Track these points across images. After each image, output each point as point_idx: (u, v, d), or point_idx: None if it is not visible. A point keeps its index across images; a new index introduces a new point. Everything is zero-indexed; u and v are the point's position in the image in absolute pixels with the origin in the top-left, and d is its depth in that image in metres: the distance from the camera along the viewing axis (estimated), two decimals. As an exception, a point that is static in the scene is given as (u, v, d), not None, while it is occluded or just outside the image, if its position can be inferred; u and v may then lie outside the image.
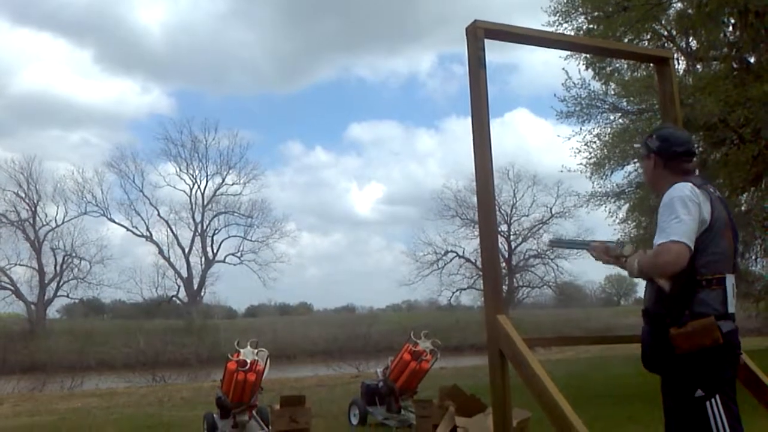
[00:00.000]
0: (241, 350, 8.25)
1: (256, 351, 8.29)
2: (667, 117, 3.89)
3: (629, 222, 15.46)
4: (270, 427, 8.17)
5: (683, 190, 2.99)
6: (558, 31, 11.19)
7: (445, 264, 53.39)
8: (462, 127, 76.56)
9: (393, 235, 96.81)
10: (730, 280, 2.99)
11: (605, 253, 3.33)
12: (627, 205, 14.66)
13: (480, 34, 3.45)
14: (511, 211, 52.75)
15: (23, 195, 47.90)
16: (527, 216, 52.78)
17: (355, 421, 9.54)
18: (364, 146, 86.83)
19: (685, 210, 2.92)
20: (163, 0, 70.52)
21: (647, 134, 3.45)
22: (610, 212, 14.89)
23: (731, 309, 2.97)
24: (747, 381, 3.38)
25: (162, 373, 27.95)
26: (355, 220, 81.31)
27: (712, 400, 2.90)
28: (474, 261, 53.46)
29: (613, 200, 14.60)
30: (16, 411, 15.61)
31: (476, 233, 53.56)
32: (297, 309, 71.32)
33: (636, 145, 11.44)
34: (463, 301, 57.88)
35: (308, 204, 76.11)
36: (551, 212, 52.09)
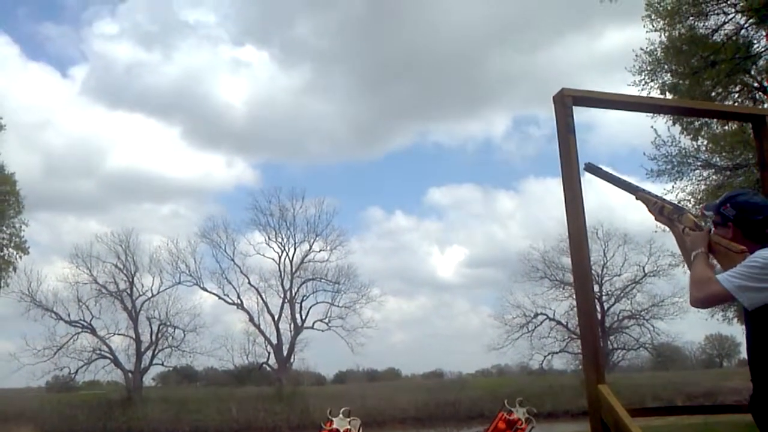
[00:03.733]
0: (334, 419, 8.26)
1: (348, 419, 8.28)
2: (764, 175, 3.79)
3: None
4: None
5: None
6: (644, 89, 11.04)
7: (535, 327, 52.26)
8: (541, 188, 76.06)
9: (477, 298, 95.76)
10: None
11: (659, 212, 3.27)
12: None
13: (568, 101, 3.48)
14: (602, 271, 51.47)
15: (121, 266, 49.89)
16: (619, 276, 51.35)
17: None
18: (444, 210, 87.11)
19: (758, 268, 2.87)
20: (243, 77, 73.86)
21: (718, 202, 3.30)
22: None
23: None
24: None
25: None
26: (439, 284, 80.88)
27: None
28: (566, 324, 52.11)
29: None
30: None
31: (566, 294, 52.38)
32: (385, 374, 70.85)
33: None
34: (555, 365, 56.26)
35: (391, 269, 76.35)
36: (644, 271, 50.53)
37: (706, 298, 2.91)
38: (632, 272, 51.24)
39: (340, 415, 8.34)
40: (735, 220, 3.10)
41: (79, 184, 66.89)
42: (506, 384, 54.01)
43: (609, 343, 51.46)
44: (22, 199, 32.73)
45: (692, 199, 12.32)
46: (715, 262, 3.13)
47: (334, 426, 8.20)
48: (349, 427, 8.23)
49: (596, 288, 50.30)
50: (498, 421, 9.08)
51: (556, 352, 53.64)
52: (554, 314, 52.47)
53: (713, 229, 3.20)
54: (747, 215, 3.07)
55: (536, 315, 52.36)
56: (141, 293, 50.60)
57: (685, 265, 3.11)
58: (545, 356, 53.66)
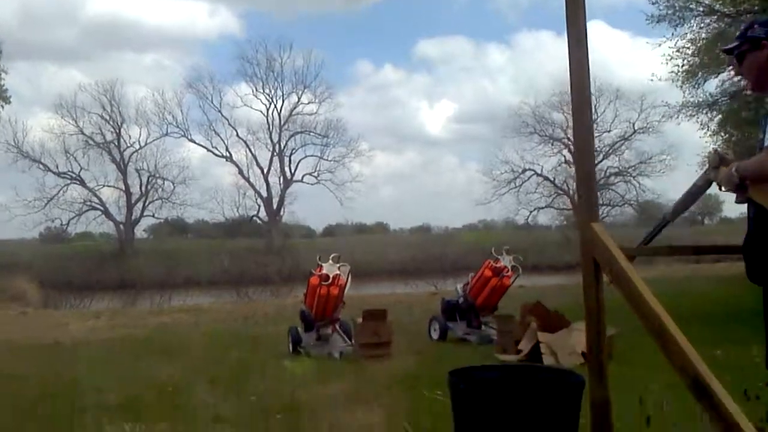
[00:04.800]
0: (324, 265, 8.32)
1: (338, 265, 8.35)
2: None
3: (722, 134, 14.62)
4: (353, 340, 8.29)
5: None
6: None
7: (522, 182, 52.55)
8: (533, 42, 74.14)
9: (466, 154, 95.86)
10: None
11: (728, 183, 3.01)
12: (719, 117, 13.83)
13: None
14: (593, 126, 51.27)
15: (107, 117, 49.28)
16: (609, 132, 51.17)
17: (435, 336, 9.60)
18: (433, 63, 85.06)
19: None
20: None
21: (741, 30, 3.09)
22: (701, 124, 14.07)
23: None
24: None
25: (246, 289, 28.79)
26: (427, 139, 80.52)
27: None
28: (553, 179, 52.51)
29: (705, 111, 13.74)
30: (111, 324, 16.42)
31: (555, 150, 52.48)
32: (373, 229, 72.05)
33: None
34: (541, 221, 57.25)
35: (380, 123, 75.61)
36: (634, 128, 50.34)
37: None
38: (622, 129, 51.05)
39: (330, 261, 8.41)
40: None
41: (59, 32, 64.40)
42: (492, 238, 55.13)
43: (595, 199, 52.16)
44: (-1, 45, 31.48)
45: (692, 46, 11.94)
46: None
47: (324, 271, 8.28)
48: (338, 272, 8.31)
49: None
50: (485, 269, 9.20)
51: (542, 208, 54.36)
52: (542, 170, 52.67)
53: (742, 63, 2.97)
54: None
55: (524, 171, 52.58)
56: (128, 145, 50.32)
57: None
58: (531, 211, 54.39)
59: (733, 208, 16.80)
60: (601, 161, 49.37)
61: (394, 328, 8.26)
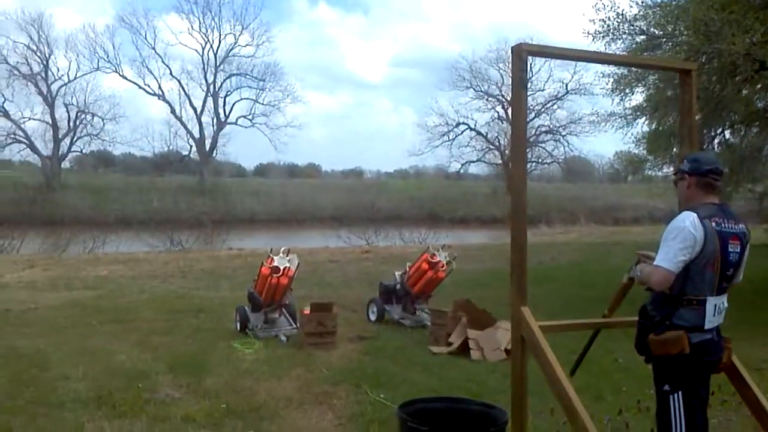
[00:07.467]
0: (275, 258, 8.97)
1: (288, 258, 9.01)
2: (683, 125, 4.35)
3: (646, 112, 15.13)
4: (298, 327, 9.02)
5: (685, 221, 3.52)
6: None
7: (456, 136, 53.67)
8: (476, -12, 74.09)
9: (399, 99, 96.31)
10: (713, 301, 3.57)
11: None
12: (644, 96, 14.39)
13: (524, 56, 3.86)
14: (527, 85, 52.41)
15: (34, 47, 47.71)
16: (542, 91, 52.51)
17: (373, 317, 10.43)
18: (369, 4, 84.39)
19: (680, 241, 3.48)
20: None
21: (682, 158, 3.94)
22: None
23: (709, 325, 3.58)
24: (732, 376, 4.05)
25: (178, 235, 28.90)
26: (361, 82, 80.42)
27: (675, 395, 3.59)
28: (485, 134, 53.72)
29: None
30: (49, 276, 16.64)
31: (489, 106, 53.56)
32: (305, 170, 72.16)
33: None
34: (472, 170, 58.64)
35: (313, 63, 75.02)
36: (566, 88, 51.78)
37: (661, 282, 3.52)
38: (555, 88, 52.42)
39: (281, 254, 9.04)
40: (690, 171, 3.72)
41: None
42: (423, 188, 56.43)
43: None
44: None
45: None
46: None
47: (275, 263, 8.92)
48: (288, 264, 8.97)
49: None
50: (422, 261, 10.00)
51: (474, 161, 55.73)
52: (475, 124, 53.88)
53: (677, 186, 3.81)
54: (699, 165, 3.70)
55: (458, 124, 53.63)
56: (57, 77, 48.98)
57: None
58: (463, 164, 55.74)
59: (654, 168, 17.92)
60: (533, 119, 50.80)
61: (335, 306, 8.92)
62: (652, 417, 4.09)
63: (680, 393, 3.59)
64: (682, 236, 3.48)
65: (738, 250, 3.62)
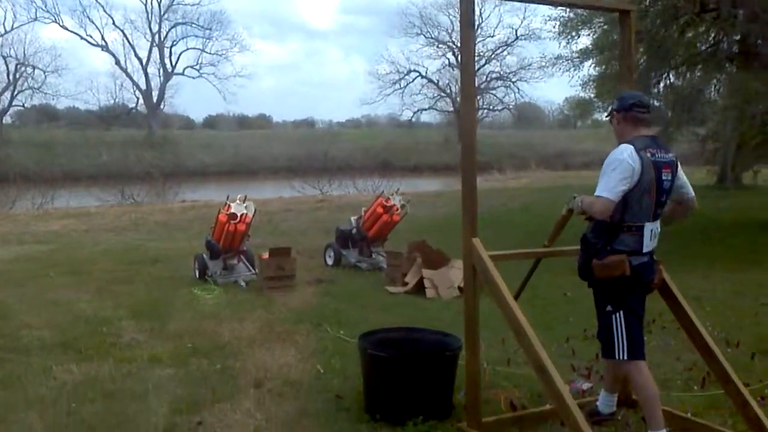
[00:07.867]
0: (232, 204, 9.09)
1: (245, 205, 9.15)
2: (622, 65, 4.59)
3: (592, 55, 15.52)
4: (256, 270, 9.21)
5: (623, 153, 3.78)
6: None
7: (407, 84, 53.64)
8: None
9: (350, 47, 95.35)
10: (649, 226, 3.87)
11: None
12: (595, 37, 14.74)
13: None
14: (477, 31, 52.38)
15: (-34, -4, 45.83)
16: (492, 37, 52.64)
17: (330, 262, 10.66)
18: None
19: (619, 172, 3.74)
20: None
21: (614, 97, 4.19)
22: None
23: (646, 248, 3.89)
24: (670, 303, 4.38)
25: (128, 189, 28.51)
26: (311, 30, 79.09)
27: (617, 314, 3.92)
28: (437, 81, 53.76)
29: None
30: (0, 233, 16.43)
31: (440, 53, 53.45)
32: (256, 121, 71.20)
33: None
34: (424, 118, 58.83)
35: (261, 10, 73.48)
36: (516, 34, 51.99)
37: (602, 210, 3.76)
38: (504, 34, 52.59)
39: (237, 201, 9.16)
40: (617, 108, 3.98)
41: None
42: (376, 137, 56.41)
43: (475, 102, 53.92)
44: None
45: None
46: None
47: (233, 210, 9.04)
48: (245, 211, 9.10)
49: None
50: (377, 205, 10.21)
51: (426, 109, 55.88)
52: (426, 72, 53.85)
53: (612, 122, 4.05)
54: (624, 100, 3.95)
55: (409, 72, 53.58)
56: (-8, 29, 47.13)
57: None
58: (415, 112, 55.86)
59: (602, 111, 18.32)
60: (483, 66, 51.04)
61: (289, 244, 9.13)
62: (596, 343, 4.41)
63: (621, 312, 3.91)
64: (621, 168, 3.74)
65: (670, 177, 3.89)
